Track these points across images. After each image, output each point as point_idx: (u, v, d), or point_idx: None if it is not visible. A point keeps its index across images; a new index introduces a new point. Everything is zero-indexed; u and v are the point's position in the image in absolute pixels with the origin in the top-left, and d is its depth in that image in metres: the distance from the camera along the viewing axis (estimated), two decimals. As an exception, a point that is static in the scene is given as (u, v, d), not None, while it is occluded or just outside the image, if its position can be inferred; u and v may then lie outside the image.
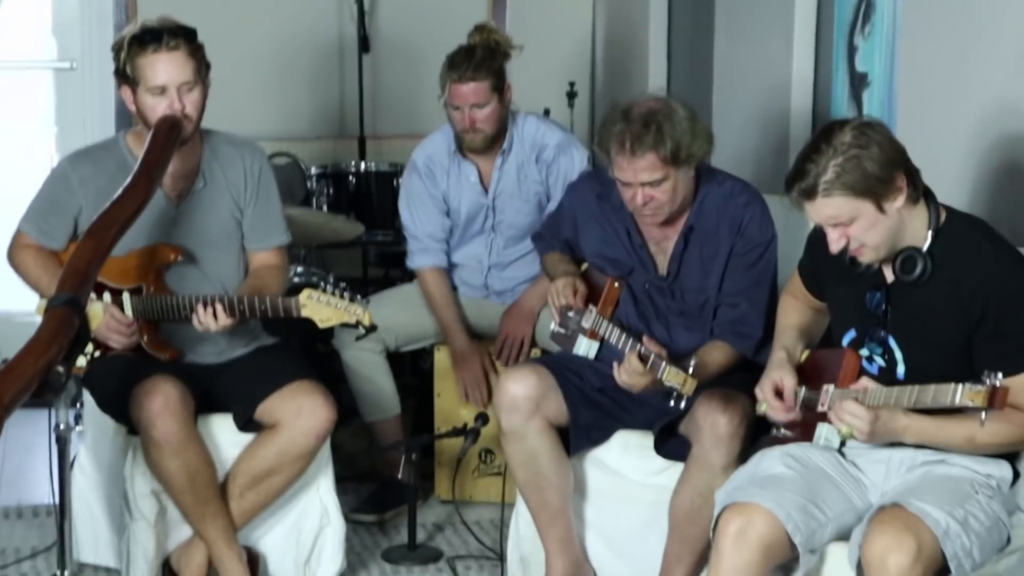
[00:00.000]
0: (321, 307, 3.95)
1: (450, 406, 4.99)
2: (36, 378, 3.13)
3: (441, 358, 5.02)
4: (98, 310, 3.95)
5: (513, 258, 5.02)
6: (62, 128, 6.71)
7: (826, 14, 5.01)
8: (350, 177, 6.06)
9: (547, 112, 5.66)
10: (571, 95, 6.61)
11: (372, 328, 4.00)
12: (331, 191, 6.05)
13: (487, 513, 4.93)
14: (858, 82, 4.74)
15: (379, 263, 6.21)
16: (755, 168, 5.21)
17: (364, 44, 6.62)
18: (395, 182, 6.09)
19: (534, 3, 6.87)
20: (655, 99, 3.87)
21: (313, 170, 6.08)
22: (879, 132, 3.17)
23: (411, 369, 5.53)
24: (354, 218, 5.81)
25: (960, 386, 2.98)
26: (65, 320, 3.23)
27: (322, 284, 4.03)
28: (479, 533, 4.75)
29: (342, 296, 3.94)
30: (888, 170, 3.13)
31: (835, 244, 3.22)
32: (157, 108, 3.95)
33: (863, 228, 3.17)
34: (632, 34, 6.70)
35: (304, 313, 3.95)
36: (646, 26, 6.50)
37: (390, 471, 5.01)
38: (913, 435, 3.18)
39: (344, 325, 4.01)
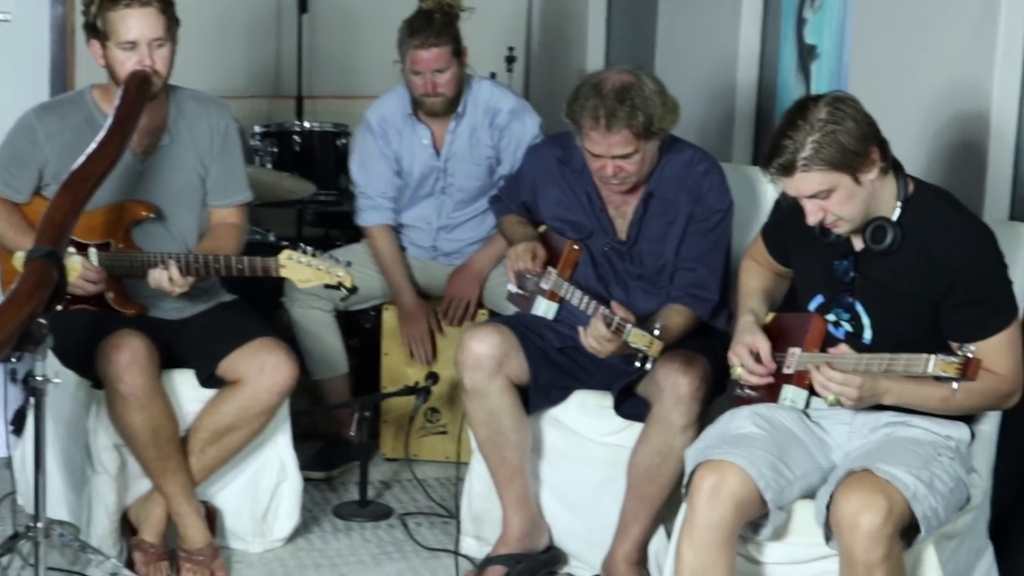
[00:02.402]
0: (301, 268, 3.99)
1: (397, 365, 5.04)
2: (18, 330, 3.17)
3: (388, 318, 5.07)
4: (75, 263, 3.95)
5: (462, 220, 5.08)
6: (-6, 80, 6.64)
7: (775, -15, 5.11)
8: (294, 136, 6.07)
9: (493, 76, 5.71)
10: (510, 59, 6.67)
11: (354, 290, 4.04)
12: (275, 149, 6.06)
13: (432, 471, 5.00)
14: (806, 54, 4.84)
15: (318, 223, 6.22)
16: (700, 139, 5.27)
17: (303, 4, 6.61)
18: (338, 142, 6.13)
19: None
20: (626, 72, 3.93)
21: (256, 128, 6.08)
22: (852, 106, 3.25)
23: (353, 329, 5.57)
24: (297, 176, 5.82)
25: (933, 357, 3.08)
26: (45, 272, 3.26)
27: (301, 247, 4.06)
28: (427, 491, 4.81)
29: (323, 257, 3.98)
30: (863, 143, 3.23)
31: (812, 217, 3.30)
32: (127, 63, 3.95)
33: (840, 200, 3.26)
34: (571, 0, 6.76)
35: (284, 273, 3.99)
36: (586, -9, 6.56)
37: (337, 429, 5.05)
38: (893, 397, 3.28)
39: (327, 287, 4.04)
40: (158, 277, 3.96)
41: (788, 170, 3.25)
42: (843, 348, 3.34)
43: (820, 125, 3.21)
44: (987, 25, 3.82)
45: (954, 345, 3.15)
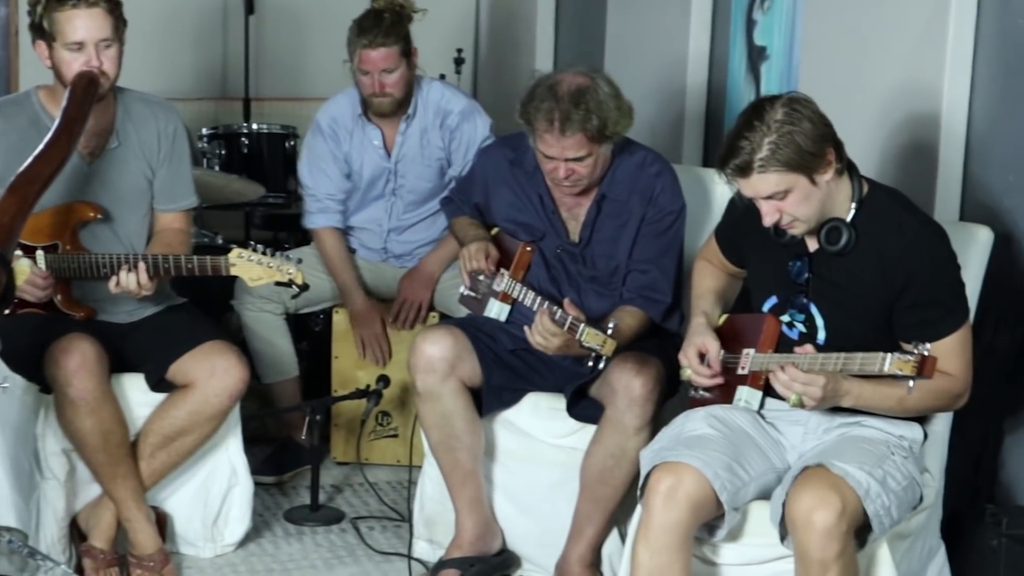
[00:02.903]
0: (252, 266, 3.97)
1: (347, 368, 5.02)
2: (-34, 334, 3.13)
3: (339, 320, 5.04)
4: (24, 266, 3.90)
5: (412, 222, 5.06)
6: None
7: (724, -13, 5.12)
8: (242, 138, 6.03)
9: (442, 78, 5.70)
10: (458, 61, 6.66)
11: (305, 287, 4.02)
12: (222, 152, 6.02)
13: (383, 475, 4.99)
14: (756, 56, 4.86)
15: (266, 226, 6.19)
16: (651, 141, 5.28)
17: (249, 5, 6.58)
18: (287, 144, 6.10)
19: (419, -32, 6.89)
20: (581, 74, 3.93)
21: (204, 130, 6.04)
22: (808, 107, 3.26)
23: (302, 332, 5.54)
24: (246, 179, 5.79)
25: (888, 355, 3.09)
26: (-8, 276, 3.21)
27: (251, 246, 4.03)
28: (379, 494, 4.78)
29: (273, 255, 3.96)
30: (819, 144, 3.23)
31: (768, 217, 3.31)
32: (74, 64, 3.91)
33: (796, 201, 3.26)
34: (519, 2, 6.75)
35: (234, 271, 3.96)
36: (534, -7, 6.57)
37: (288, 432, 5.03)
38: (852, 399, 3.27)
39: (278, 284, 4.02)
40: (125, 281, 3.93)
41: (744, 171, 3.25)
42: (808, 348, 3.33)
43: (777, 126, 3.21)
44: (937, 25, 3.85)
45: (907, 346, 3.15)
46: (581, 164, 3.91)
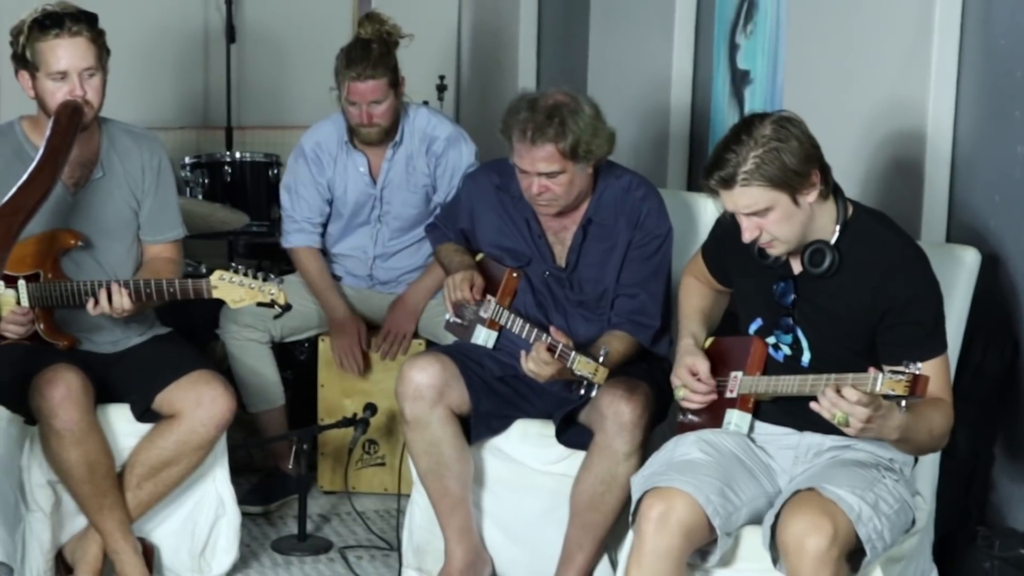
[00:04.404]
0: (233, 288, 3.95)
1: (333, 396, 4.99)
2: (-49, 366, 3.10)
3: (324, 349, 5.01)
4: (9, 298, 3.89)
5: (398, 248, 5.04)
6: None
7: (706, 12, 5.13)
8: (225, 167, 6.02)
9: (425, 104, 5.69)
10: (441, 88, 6.66)
11: (287, 307, 4.00)
12: (206, 181, 6.01)
13: (371, 503, 4.96)
14: (740, 79, 4.86)
15: (250, 254, 6.17)
16: (634, 164, 5.30)
17: (231, 34, 6.59)
18: (270, 172, 6.09)
19: (400, -4, 6.90)
20: (564, 93, 3.93)
21: (187, 159, 6.03)
22: (797, 127, 3.26)
23: (286, 361, 5.51)
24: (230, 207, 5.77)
25: (880, 374, 3.05)
26: (-23, 307, 3.20)
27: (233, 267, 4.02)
28: (367, 523, 4.76)
29: (255, 276, 3.94)
30: (805, 164, 3.23)
31: (748, 233, 3.30)
32: (57, 94, 3.90)
33: (776, 220, 3.25)
34: (501, 27, 6.77)
35: (216, 294, 3.94)
36: (516, 19, 6.57)
37: (275, 462, 5.00)
38: (901, 431, 3.15)
39: (259, 305, 4.00)
40: (104, 301, 3.91)
41: (728, 183, 3.24)
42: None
43: (764, 141, 3.21)
44: (921, 45, 3.85)
45: (892, 368, 3.11)
46: (554, 181, 3.90)
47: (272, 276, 4.01)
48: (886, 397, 3.05)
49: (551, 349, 3.76)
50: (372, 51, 4.74)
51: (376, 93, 4.74)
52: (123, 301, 3.92)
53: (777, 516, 3.21)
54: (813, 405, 3.13)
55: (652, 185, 4.15)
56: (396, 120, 4.86)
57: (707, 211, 4.27)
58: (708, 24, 5.10)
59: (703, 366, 3.56)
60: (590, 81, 5.84)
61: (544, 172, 3.90)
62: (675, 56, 5.21)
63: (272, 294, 3.97)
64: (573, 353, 3.74)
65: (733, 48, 4.90)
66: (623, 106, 5.46)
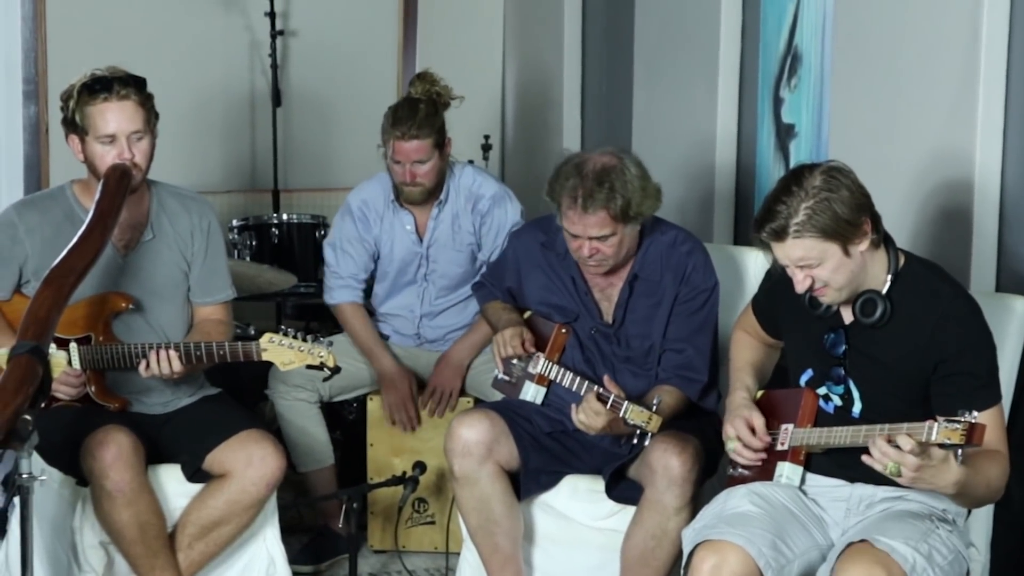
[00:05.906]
0: (283, 350, 3.98)
1: (383, 455, 4.99)
2: (4, 427, 3.12)
3: (373, 408, 5.02)
4: (60, 359, 3.92)
5: (444, 307, 5.05)
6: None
7: (750, 67, 5.13)
8: (272, 229, 6.06)
9: (471, 163, 5.72)
10: (486, 147, 6.70)
11: (336, 370, 4.02)
12: (253, 243, 6.05)
13: (421, 562, 4.95)
14: (784, 134, 4.86)
15: (298, 315, 6.20)
16: (680, 220, 5.27)
17: (277, 98, 6.64)
18: (317, 234, 6.12)
19: (444, 58, 6.92)
20: (609, 154, 3.94)
21: (235, 222, 6.08)
22: (847, 176, 3.26)
23: (335, 420, 5.52)
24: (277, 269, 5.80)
25: (935, 424, 3.03)
26: (29, 369, 3.23)
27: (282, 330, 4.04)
28: (418, 582, 4.77)
29: (304, 339, 3.96)
30: (856, 214, 3.23)
31: (800, 284, 3.30)
32: (106, 157, 3.95)
33: (829, 270, 3.26)
34: (545, 86, 6.79)
35: (266, 357, 3.97)
36: (560, 78, 6.59)
37: (324, 521, 5.00)
38: (959, 486, 3.12)
39: (309, 367, 4.02)
40: (155, 364, 3.94)
41: (780, 235, 3.24)
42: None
43: (815, 192, 3.21)
44: (967, 94, 3.84)
45: (947, 418, 3.08)
46: (605, 243, 3.91)
47: (321, 339, 4.04)
48: (942, 446, 3.02)
49: (602, 399, 3.76)
50: (419, 111, 4.76)
51: (420, 153, 4.76)
52: (174, 364, 3.96)
53: (831, 569, 3.19)
54: (865, 457, 3.11)
55: (697, 239, 4.16)
56: (440, 180, 4.88)
57: (754, 265, 4.27)
58: (752, 79, 5.10)
59: (759, 421, 3.55)
60: (635, 139, 5.85)
61: (596, 236, 3.91)
62: (719, 112, 5.21)
63: (321, 356, 4.00)
64: (626, 403, 3.74)
65: (777, 102, 4.90)
66: (668, 164, 5.46)
